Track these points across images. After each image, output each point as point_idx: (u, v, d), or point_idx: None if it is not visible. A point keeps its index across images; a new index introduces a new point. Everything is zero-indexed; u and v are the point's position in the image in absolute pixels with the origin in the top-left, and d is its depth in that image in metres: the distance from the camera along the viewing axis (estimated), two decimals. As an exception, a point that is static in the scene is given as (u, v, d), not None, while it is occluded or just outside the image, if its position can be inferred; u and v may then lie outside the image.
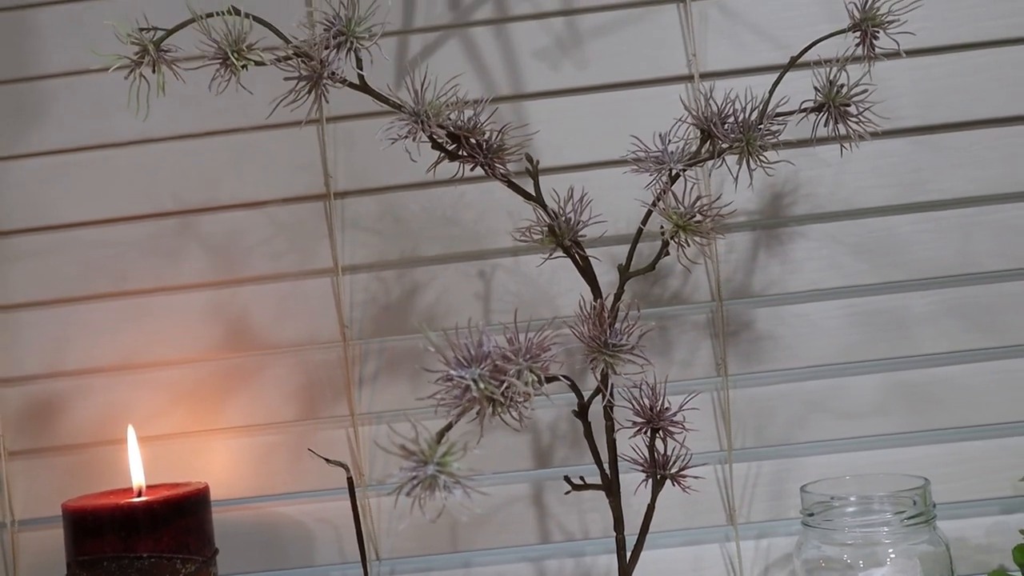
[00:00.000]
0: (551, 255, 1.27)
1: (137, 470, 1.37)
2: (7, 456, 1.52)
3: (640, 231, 1.25)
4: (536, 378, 1.02)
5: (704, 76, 1.47)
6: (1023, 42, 1.46)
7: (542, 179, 1.29)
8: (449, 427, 0.92)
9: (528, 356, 1.02)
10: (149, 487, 1.37)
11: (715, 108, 1.26)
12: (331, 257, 1.50)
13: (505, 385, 0.96)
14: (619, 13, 1.48)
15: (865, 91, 1.23)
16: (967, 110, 1.47)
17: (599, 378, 1.19)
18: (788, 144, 1.26)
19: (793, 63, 1.25)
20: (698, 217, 1.23)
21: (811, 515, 1.32)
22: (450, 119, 1.21)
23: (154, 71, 1.14)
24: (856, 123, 1.24)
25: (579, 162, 1.48)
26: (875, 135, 1.24)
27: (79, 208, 1.52)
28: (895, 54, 1.22)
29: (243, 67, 1.11)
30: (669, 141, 1.26)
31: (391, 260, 1.50)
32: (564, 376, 1.16)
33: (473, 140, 1.24)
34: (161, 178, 1.52)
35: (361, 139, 1.49)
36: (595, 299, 1.27)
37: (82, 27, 1.52)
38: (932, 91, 1.47)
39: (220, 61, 1.12)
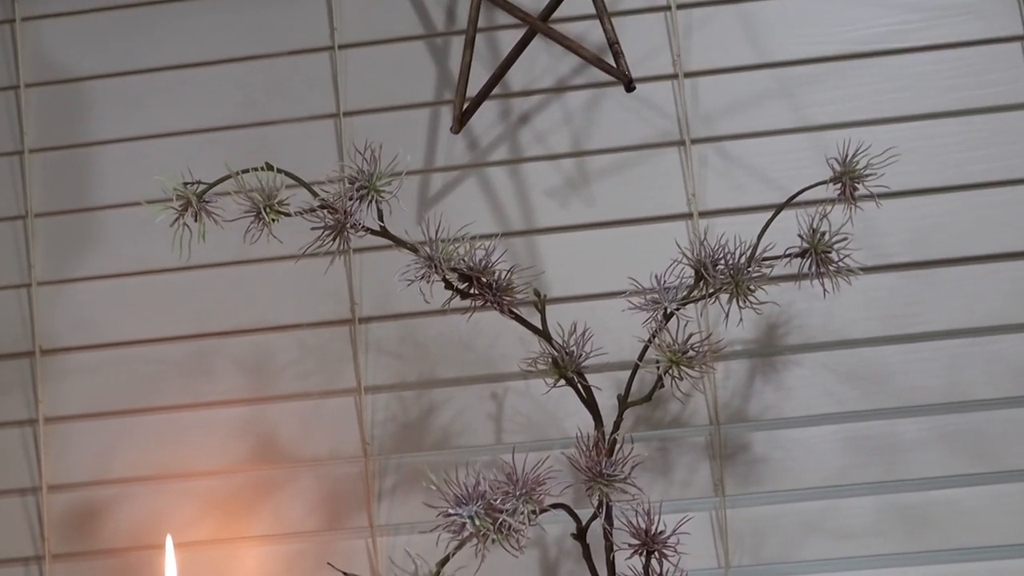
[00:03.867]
0: (556, 384, 1.37)
1: (171, 577, 1.47)
2: (51, 559, 1.63)
3: (636, 367, 1.34)
4: (532, 510, 1.11)
5: (703, 214, 1.58)
6: (1005, 184, 1.55)
7: (552, 308, 1.40)
8: (446, 560, 1.02)
9: (524, 491, 1.11)
10: (181, 594, 1.47)
11: (708, 250, 1.37)
12: (355, 378, 1.61)
13: (500, 521, 1.06)
14: (624, 155, 1.60)
15: (845, 239, 1.33)
16: (955, 247, 1.56)
17: (595, 504, 1.28)
18: (781, 278, 1.37)
19: (779, 211, 1.36)
20: (691, 353, 1.32)
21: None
22: (463, 261, 1.32)
23: (196, 220, 1.27)
24: (837, 269, 1.34)
25: (586, 293, 1.58)
26: (865, 270, 1.34)
27: (125, 328, 1.65)
28: (872, 199, 1.32)
29: (274, 220, 1.24)
30: (665, 281, 1.37)
31: (410, 381, 1.61)
32: (561, 504, 1.25)
33: (484, 280, 1.35)
34: (199, 302, 1.64)
35: (384, 269, 1.61)
36: (596, 427, 1.37)
37: (136, 162, 1.67)
38: (921, 229, 1.56)
39: (254, 215, 1.25)
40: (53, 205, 1.68)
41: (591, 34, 1.61)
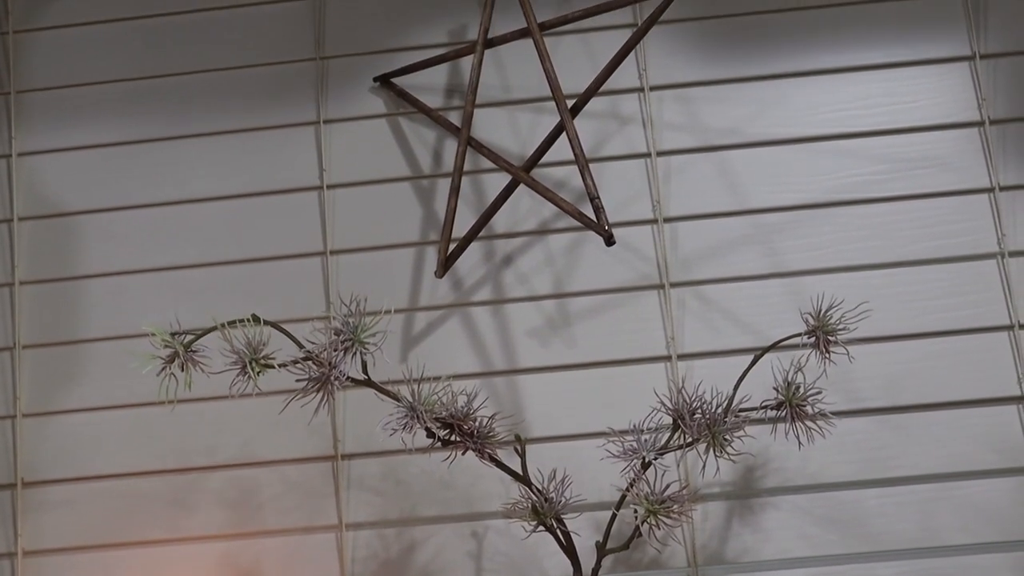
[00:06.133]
0: (535, 529, 1.38)
1: None
2: None
3: (614, 516, 1.36)
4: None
5: (682, 357, 1.61)
6: (973, 332, 1.60)
7: (532, 447, 1.42)
8: None
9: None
10: None
11: (686, 399, 1.40)
12: (337, 514, 1.62)
13: None
14: (605, 297, 1.64)
15: (820, 392, 1.37)
16: (926, 393, 1.59)
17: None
18: (758, 421, 1.39)
19: (755, 362, 1.40)
20: (669, 503, 1.34)
21: None
22: (445, 408, 1.35)
23: (183, 370, 1.30)
24: (812, 421, 1.37)
25: (566, 433, 1.60)
26: (840, 415, 1.37)
27: (108, 461, 1.66)
28: (845, 353, 1.36)
29: (259, 374, 1.27)
30: (643, 430, 1.39)
31: (392, 519, 1.61)
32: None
33: (465, 427, 1.37)
34: (182, 436, 1.65)
35: (368, 406, 1.62)
36: (575, 574, 1.38)
37: (124, 296, 1.70)
38: (893, 375, 1.60)
39: (240, 368, 1.27)
40: (41, 337, 1.70)
41: (573, 179, 1.66)
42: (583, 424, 1.60)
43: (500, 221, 1.66)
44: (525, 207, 1.67)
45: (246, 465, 1.64)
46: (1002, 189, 1.63)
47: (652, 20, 1.50)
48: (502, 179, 1.64)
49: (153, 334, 1.29)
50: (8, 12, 1.79)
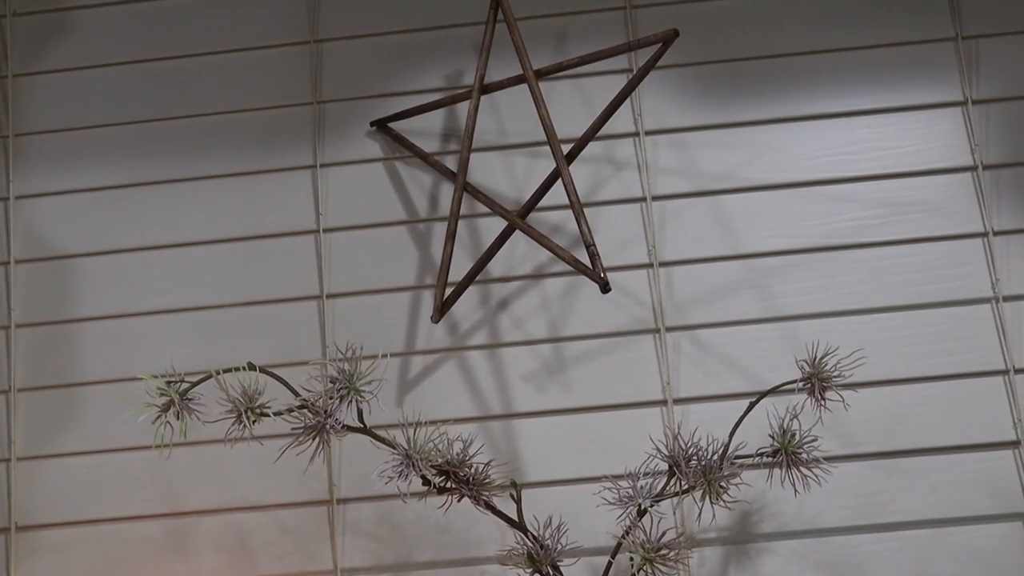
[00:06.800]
0: (531, 576, 1.38)
1: None
2: None
3: (610, 564, 1.36)
4: None
5: (677, 401, 1.61)
6: (965, 376, 1.60)
7: (528, 492, 1.42)
8: None
9: None
10: None
11: (682, 445, 1.40)
12: (332, 559, 1.61)
13: None
14: (601, 342, 1.65)
15: (815, 439, 1.37)
16: (920, 438, 1.59)
17: None
18: (754, 466, 1.39)
19: (750, 409, 1.40)
20: (664, 551, 1.34)
21: None
22: (440, 456, 1.35)
23: (178, 418, 1.30)
24: (808, 468, 1.37)
25: (563, 477, 1.60)
26: (836, 459, 1.37)
27: (103, 505, 1.65)
28: (840, 400, 1.36)
29: (255, 423, 1.27)
30: (639, 477, 1.39)
31: (387, 564, 1.61)
32: None
33: (461, 474, 1.37)
34: (177, 480, 1.65)
35: (364, 450, 1.62)
36: (570, 622, 1.37)
37: (120, 338, 1.70)
38: (888, 419, 1.60)
39: (235, 417, 1.27)
40: (36, 380, 1.70)
41: (569, 223, 1.67)
42: (579, 469, 1.59)
43: (496, 265, 1.67)
44: (521, 251, 1.68)
45: (241, 509, 1.64)
46: (996, 234, 1.64)
47: (647, 68, 1.51)
48: (498, 223, 1.64)
49: (149, 380, 1.29)
50: (8, 56, 1.80)
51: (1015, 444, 1.58)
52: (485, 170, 1.72)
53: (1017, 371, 1.60)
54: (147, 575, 1.63)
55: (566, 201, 1.46)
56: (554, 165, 1.56)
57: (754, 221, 1.67)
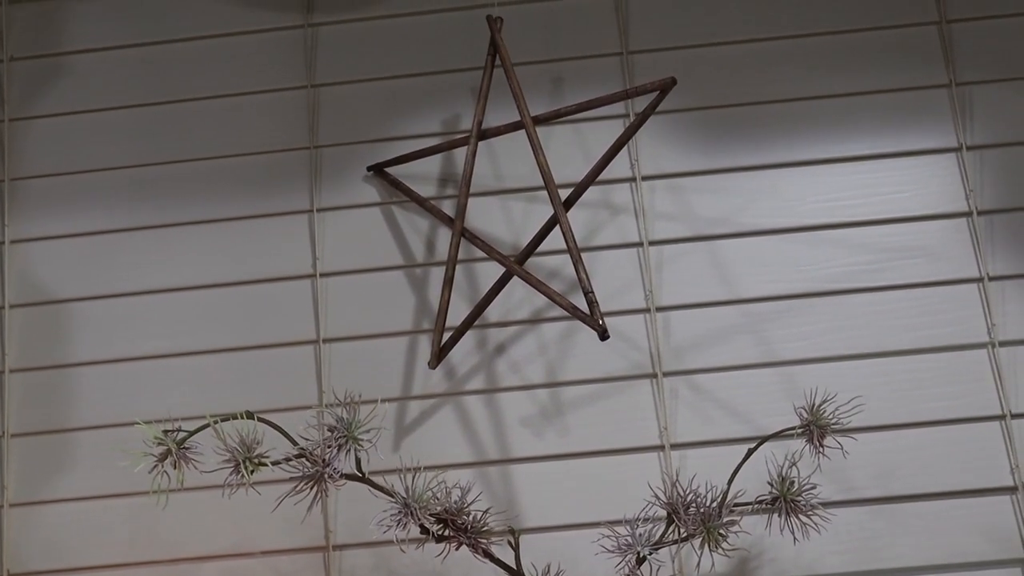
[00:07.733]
0: (531, 628, 1.37)
1: None
2: None
3: (610, 614, 1.35)
4: None
5: (675, 447, 1.61)
6: (962, 422, 1.60)
7: (526, 538, 1.41)
8: None
9: None
10: None
11: (680, 492, 1.39)
12: (327, 607, 1.60)
13: None
14: (598, 386, 1.64)
15: (814, 487, 1.37)
16: (918, 483, 1.59)
17: None
18: (752, 512, 1.39)
19: (748, 457, 1.40)
20: (664, 601, 1.34)
21: None
22: (440, 505, 1.34)
23: (175, 467, 1.29)
24: (806, 516, 1.37)
25: (560, 523, 1.59)
26: (834, 504, 1.38)
27: (96, 553, 1.63)
28: (839, 447, 1.36)
29: (252, 472, 1.26)
30: (637, 524, 1.39)
31: (383, 612, 1.60)
32: None
33: (459, 521, 1.37)
34: (173, 526, 1.63)
35: (361, 496, 1.62)
36: (570, 672, 1.37)
37: (114, 384, 1.69)
38: (885, 464, 1.60)
39: (233, 466, 1.27)
40: (30, 425, 1.68)
41: (566, 268, 1.67)
42: (577, 514, 1.58)
43: (493, 310, 1.66)
44: (518, 296, 1.68)
45: (237, 556, 1.62)
46: (991, 279, 1.65)
47: (645, 116, 1.52)
48: (495, 267, 1.64)
49: (146, 429, 1.28)
50: (4, 100, 1.81)
51: (1013, 489, 1.57)
52: (483, 215, 1.72)
53: (1014, 416, 1.60)
54: (140, 623, 1.62)
55: (563, 246, 1.46)
56: (551, 210, 1.56)
57: (751, 266, 1.67)
